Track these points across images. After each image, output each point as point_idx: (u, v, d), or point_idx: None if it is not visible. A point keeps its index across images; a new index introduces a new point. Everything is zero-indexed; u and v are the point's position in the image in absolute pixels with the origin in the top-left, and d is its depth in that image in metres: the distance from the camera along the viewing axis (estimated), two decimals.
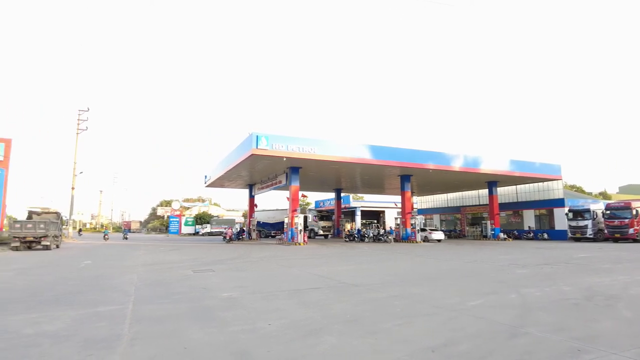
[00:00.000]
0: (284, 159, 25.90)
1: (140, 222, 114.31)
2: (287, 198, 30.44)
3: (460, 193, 48.82)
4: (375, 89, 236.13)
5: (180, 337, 4.85)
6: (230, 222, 57.41)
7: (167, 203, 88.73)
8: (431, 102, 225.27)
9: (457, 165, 30.92)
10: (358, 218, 53.72)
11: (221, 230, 54.53)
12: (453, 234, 46.68)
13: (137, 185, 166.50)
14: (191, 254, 20.26)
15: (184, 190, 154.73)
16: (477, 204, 46.30)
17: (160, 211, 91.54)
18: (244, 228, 40.67)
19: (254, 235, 38.82)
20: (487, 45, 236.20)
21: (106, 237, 38.31)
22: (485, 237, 38.61)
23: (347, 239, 34.25)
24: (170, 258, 17.56)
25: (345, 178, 37.41)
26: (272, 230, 44.74)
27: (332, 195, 48.84)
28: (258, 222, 41.53)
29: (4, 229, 28.01)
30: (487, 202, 39.41)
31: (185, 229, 66.14)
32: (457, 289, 8.50)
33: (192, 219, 69.29)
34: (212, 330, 5.15)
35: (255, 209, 41.37)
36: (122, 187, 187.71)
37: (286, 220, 29.23)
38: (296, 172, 28.96)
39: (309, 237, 34.13)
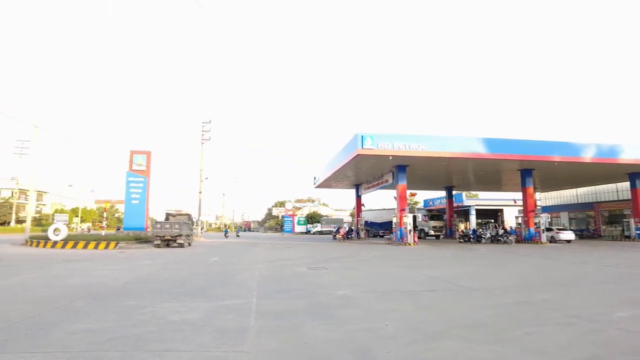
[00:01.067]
0: (390, 157, 25.56)
1: (258, 221, 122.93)
2: (395, 197, 30.00)
3: (592, 188, 42.91)
4: (480, 81, 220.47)
5: (300, 332, 5.05)
6: (339, 222, 58.68)
7: (281, 204, 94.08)
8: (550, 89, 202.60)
9: (588, 156, 27.25)
10: (472, 217, 50.70)
11: (330, 229, 56.05)
12: (585, 234, 41.34)
13: (254, 187, 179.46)
14: (304, 251, 21.12)
15: (295, 192, 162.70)
16: (616, 199, 40.23)
17: (275, 211, 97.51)
18: (353, 227, 41.18)
19: (362, 234, 39.08)
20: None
21: (227, 235, 42.09)
22: (627, 237, 33.43)
23: (462, 240, 32.45)
24: (286, 255, 18.52)
25: (456, 175, 35.57)
26: (380, 229, 44.55)
27: (442, 193, 46.84)
28: (366, 222, 41.70)
29: (148, 229, 32.43)
30: (629, 197, 33.99)
31: (298, 228, 69.41)
32: (597, 297, 7.46)
33: (303, 219, 72.45)
34: (330, 327, 5.27)
35: (363, 209, 41.60)
36: (241, 189, 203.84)
37: (394, 220, 28.82)
38: (403, 170, 28.39)
39: (419, 238, 33.20)
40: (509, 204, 48.07)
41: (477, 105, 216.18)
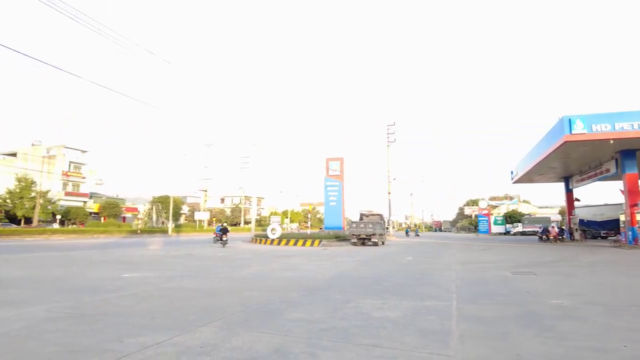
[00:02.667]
0: (611, 141, 21.15)
1: (450, 221, 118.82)
2: (621, 190, 24.69)
3: None
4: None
5: (510, 341, 4.61)
6: (544, 221, 51.69)
7: (474, 202, 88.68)
8: None
9: None
10: None
11: (535, 229, 49.97)
12: None
13: (444, 186, 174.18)
14: (505, 254, 19.36)
15: (489, 188, 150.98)
16: None
17: (467, 210, 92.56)
18: (563, 227, 35.69)
19: (576, 235, 33.42)
20: None
21: (407, 234, 42.49)
22: None
23: None
24: (485, 258, 17.31)
25: None
26: (600, 229, 37.27)
27: None
28: (581, 220, 35.48)
29: (345, 228, 35.00)
30: None
31: (495, 228, 64.12)
32: None
33: (501, 218, 66.61)
34: (547, 340, 4.65)
35: (576, 205, 35.58)
36: (429, 188, 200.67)
37: (622, 218, 23.70)
38: (631, 156, 23.13)
39: None
40: None
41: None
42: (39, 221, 49.27)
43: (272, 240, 28.36)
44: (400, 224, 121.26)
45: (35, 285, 8.60)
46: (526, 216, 67.05)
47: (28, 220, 49.92)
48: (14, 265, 12.49)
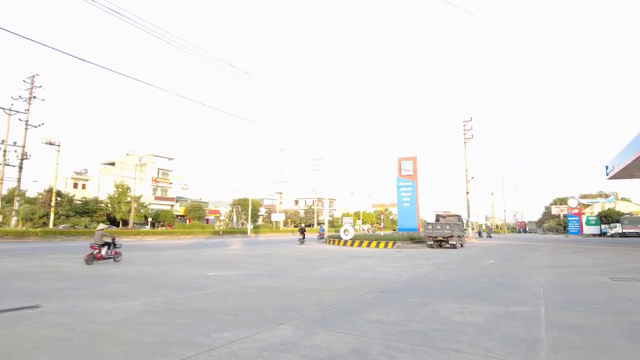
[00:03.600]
0: None
1: (535, 221, 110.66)
2: None
3: None
4: None
5: (612, 355, 4.18)
6: None
7: (562, 201, 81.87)
8: None
9: None
10: None
11: (637, 230, 44.78)
12: None
13: (528, 184, 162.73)
14: (601, 257, 17.60)
15: (579, 186, 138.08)
16: None
17: (554, 210, 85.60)
18: None
19: None
20: None
21: (480, 235, 40.31)
22: None
23: None
24: (576, 261, 15.89)
25: None
26: None
27: None
28: None
29: (420, 230, 34.10)
30: None
31: (588, 229, 58.56)
32: None
33: (595, 218, 60.62)
34: None
35: None
36: (512, 187, 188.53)
37: None
38: None
39: None
40: None
41: None
42: (133, 223, 54.30)
43: (345, 241, 28.48)
44: (481, 225, 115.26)
45: (132, 282, 9.48)
46: (626, 216, 60.20)
47: (125, 223, 55.30)
48: (115, 263, 13.88)
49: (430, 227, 26.11)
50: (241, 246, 26.12)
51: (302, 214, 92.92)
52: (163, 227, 59.02)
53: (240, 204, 63.37)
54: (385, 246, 25.65)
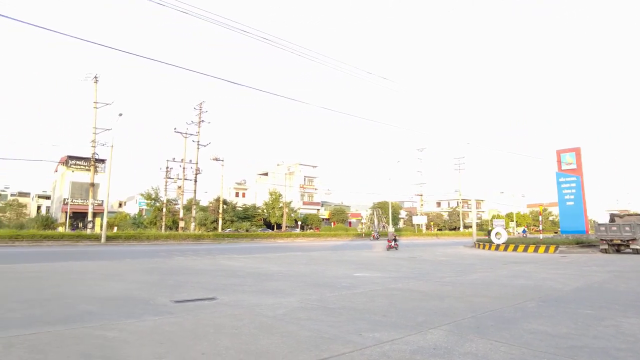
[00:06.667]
0: None
1: None
2: None
3: None
4: None
5: None
6: None
7: None
8: None
9: None
10: None
11: None
12: None
13: None
14: None
15: None
16: None
17: None
18: None
19: None
20: None
21: None
22: None
23: None
24: None
25: None
26: None
27: None
28: None
29: (589, 232, 29.46)
30: None
31: None
32: None
33: None
34: None
35: None
36: None
37: None
38: None
39: None
40: None
41: None
42: (286, 226, 59.45)
43: (497, 245, 26.27)
44: None
45: (288, 279, 10.34)
46: None
47: (278, 226, 60.99)
48: (273, 262, 15.36)
49: (603, 228, 22.39)
50: (383, 249, 26.23)
51: (445, 216, 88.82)
52: (311, 230, 63.10)
53: (381, 207, 63.72)
54: (546, 251, 22.88)
